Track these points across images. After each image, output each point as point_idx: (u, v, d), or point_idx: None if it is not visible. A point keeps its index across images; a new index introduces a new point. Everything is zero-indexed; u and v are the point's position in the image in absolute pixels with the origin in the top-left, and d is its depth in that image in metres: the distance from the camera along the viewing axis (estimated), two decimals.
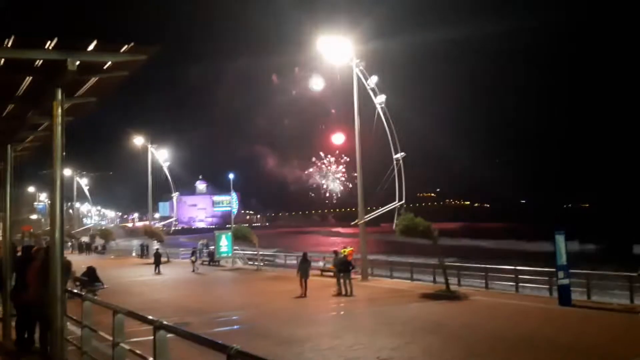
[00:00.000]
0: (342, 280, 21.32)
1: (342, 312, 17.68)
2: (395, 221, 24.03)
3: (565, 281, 17.54)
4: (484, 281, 22.22)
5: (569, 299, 17.37)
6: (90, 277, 20.60)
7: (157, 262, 34.85)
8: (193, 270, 34.64)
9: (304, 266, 21.77)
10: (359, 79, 28.14)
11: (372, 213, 29.58)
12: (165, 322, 5.13)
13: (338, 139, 60.08)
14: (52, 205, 7.08)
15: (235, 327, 15.89)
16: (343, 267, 21.83)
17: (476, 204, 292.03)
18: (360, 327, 14.81)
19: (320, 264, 30.59)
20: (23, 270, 9.55)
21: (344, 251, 28.83)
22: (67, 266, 8.73)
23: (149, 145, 54.15)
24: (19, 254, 11.06)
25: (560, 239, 17.80)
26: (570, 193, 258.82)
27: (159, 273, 33.85)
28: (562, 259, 17.64)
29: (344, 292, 21.09)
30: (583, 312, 16.53)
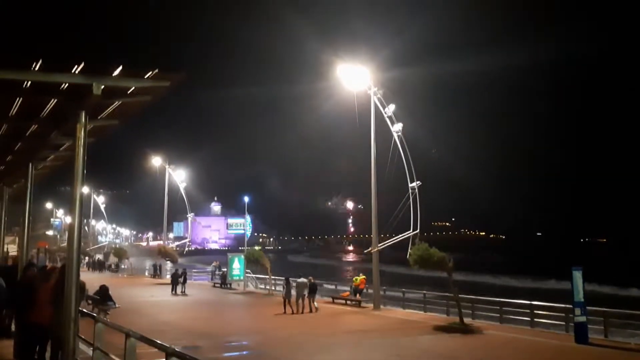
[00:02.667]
0: (299, 301, 24.53)
1: (354, 342, 17.44)
2: (409, 250, 23.73)
3: (582, 318, 17.18)
4: (498, 315, 21.82)
5: (585, 337, 16.98)
6: (103, 296, 20.63)
7: (175, 283, 34.70)
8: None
9: (287, 288, 24.93)
10: (376, 106, 28.25)
11: (386, 241, 29.28)
12: (177, 349, 5.12)
13: None
14: (71, 228, 7.14)
15: (245, 352, 15.77)
16: (313, 288, 25.47)
17: (492, 235, 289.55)
18: (370, 358, 14.57)
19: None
20: (32, 289, 9.28)
21: (356, 279, 28.68)
22: (81, 287, 8.71)
23: (167, 166, 54.51)
24: None
25: (577, 275, 17.52)
26: (591, 226, 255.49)
27: (176, 294, 33.85)
28: (579, 296, 17.34)
29: (297, 312, 24.18)
30: (600, 351, 16.12)
